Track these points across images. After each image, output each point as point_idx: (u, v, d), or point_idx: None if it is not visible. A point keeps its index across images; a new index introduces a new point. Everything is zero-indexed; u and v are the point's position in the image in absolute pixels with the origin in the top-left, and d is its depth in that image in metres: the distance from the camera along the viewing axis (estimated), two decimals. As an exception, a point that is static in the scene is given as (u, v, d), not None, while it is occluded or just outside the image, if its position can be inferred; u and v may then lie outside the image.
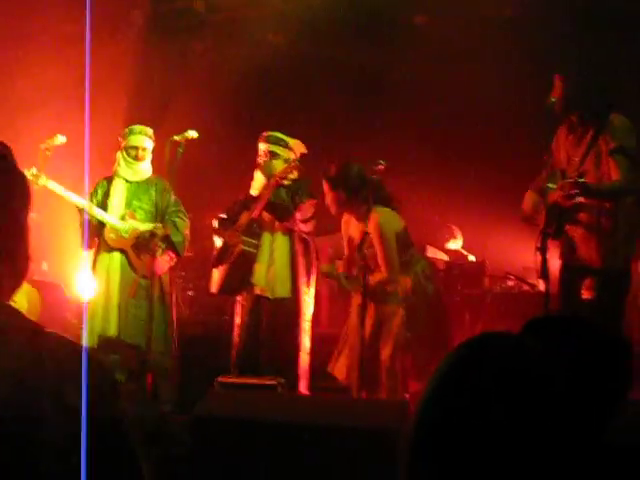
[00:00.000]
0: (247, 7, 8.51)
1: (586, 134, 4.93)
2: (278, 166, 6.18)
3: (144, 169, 6.38)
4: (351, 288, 5.63)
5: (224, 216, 6.41)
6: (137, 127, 6.37)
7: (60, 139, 6.12)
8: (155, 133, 6.41)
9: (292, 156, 6.24)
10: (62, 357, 1.46)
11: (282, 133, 6.32)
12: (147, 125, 6.41)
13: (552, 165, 5.03)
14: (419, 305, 5.46)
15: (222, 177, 7.98)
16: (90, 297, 6.26)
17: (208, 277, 6.56)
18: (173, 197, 6.31)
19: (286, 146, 6.27)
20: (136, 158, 6.34)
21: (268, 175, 6.19)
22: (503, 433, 1.08)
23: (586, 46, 7.12)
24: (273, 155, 6.22)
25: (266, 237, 6.17)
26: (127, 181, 6.39)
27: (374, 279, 5.42)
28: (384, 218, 5.46)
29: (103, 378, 1.54)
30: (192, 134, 5.69)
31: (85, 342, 5.85)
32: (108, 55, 7.45)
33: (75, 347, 1.51)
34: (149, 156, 6.39)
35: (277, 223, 6.17)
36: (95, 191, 6.40)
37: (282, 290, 6.09)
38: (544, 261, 4.56)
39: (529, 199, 5.14)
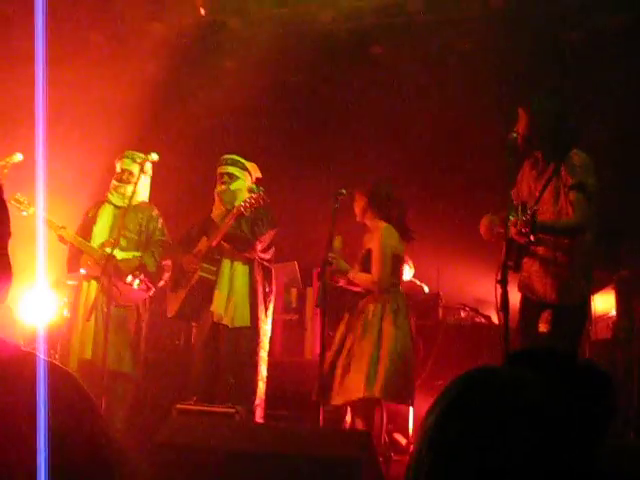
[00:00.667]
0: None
1: (547, 169, 5.00)
2: (238, 193, 6.16)
3: (129, 194, 6.27)
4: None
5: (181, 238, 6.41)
6: (128, 152, 6.43)
7: (18, 157, 6.06)
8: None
9: (248, 179, 6.25)
10: (39, 377, 1.44)
11: (241, 156, 6.33)
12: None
13: (516, 197, 5.08)
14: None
15: (191, 199, 7.92)
16: (47, 320, 6.19)
17: (162, 300, 6.50)
18: (159, 226, 6.30)
19: (243, 168, 6.28)
20: (120, 181, 6.38)
21: (229, 202, 6.18)
22: (504, 463, 1.09)
23: (549, 80, 7.24)
24: (230, 177, 6.21)
25: (226, 264, 6.13)
26: (115, 207, 6.40)
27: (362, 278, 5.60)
28: (388, 232, 5.66)
29: (82, 398, 1.53)
30: (154, 157, 5.69)
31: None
32: (113, 73, 7.40)
33: (54, 367, 1.50)
34: (139, 181, 6.32)
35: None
36: (87, 216, 6.44)
37: (241, 320, 6.05)
38: (505, 294, 4.59)
39: (484, 221, 5.22)
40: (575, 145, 4.99)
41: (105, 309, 5.79)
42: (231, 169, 6.26)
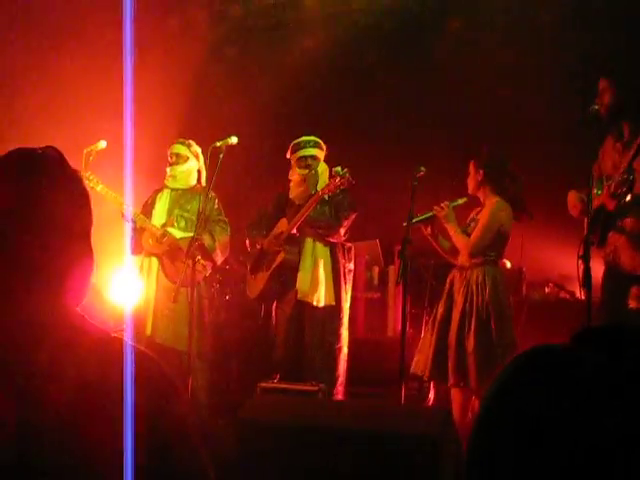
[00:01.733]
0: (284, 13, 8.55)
1: (636, 140, 4.89)
2: (322, 175, 6.19)
3: (182, 176, 6.51)
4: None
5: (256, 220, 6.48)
6: (179, 139, 6.61)
7: (102, 144, 6.22)
8: (197, 140, 6.52)
9: (323, 158, 6.26)
10: (128, 361, 1.49)
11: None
12: (189, 131, 6.55)
13: (599, 172, 4.98)
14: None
15: (260, 184, 8.00)
16: (134, 300, 6.34)
17: (244, 281, 6.59)
18: (216, 206, 6.39)
19: (322, 149, 6.31)
20: (171, 164, 6.53)
21: (313, 185, 6.19)
22: (560, 447, 1.07)
23: (628, 51, 7.07)
24: (315, 159, 6.23)
25: (308, 244, 6.15)
26: (172, 190, 6.55)
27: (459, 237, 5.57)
28: (501, 206, 5.53)
29: (165, 381, 1.57)
30: (233, 140, 5.70)
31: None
32: (148, 62, 7.50)
33: (140, 352, 1.54)
34: (186, 163, 6.51)
35: None
36: (147, 201, 6.63)
37: (328, 298, 6.09)
38: (587, 270, 4.53)
39: (571, 197, 5.14)
40: None
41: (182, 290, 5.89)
42: (314, 151, 6.27)
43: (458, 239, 5.58)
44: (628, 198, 4.63)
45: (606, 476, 1.02)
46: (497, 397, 1.17)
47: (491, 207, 5.54)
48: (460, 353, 5.35)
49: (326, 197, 6.02)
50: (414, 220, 5.53)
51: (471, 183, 5.65)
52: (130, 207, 6.29)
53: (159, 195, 6.60)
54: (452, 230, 5.59)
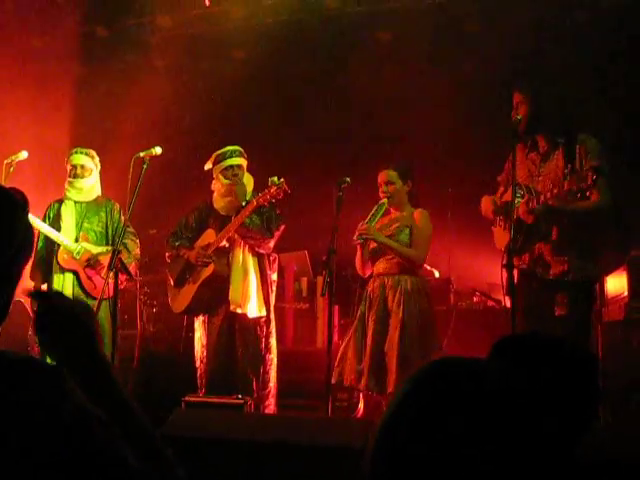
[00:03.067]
0: (210, 23, 8.49)
1: (554, 152, 4.98)
2: (248, 185, 6.14)
3: (86, 188, 6.47)
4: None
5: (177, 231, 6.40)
6: (78, 148, 6.51)
7: (23, 154, 6.12)
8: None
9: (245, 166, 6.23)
10: (28, 383, 1.43)
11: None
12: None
13: (511, 182, 5.03)
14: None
15: (184, 194, 7.94)
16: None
17: (162, 294, 6.51)
18: (123, 217, 6.31)
19: (246, 158, 6.27)
20: (75, 176, 6.43)
21: (242, 195, 6.15)
22: (462, 456, 1.07)
23: (543, 63, 7.21)
24: (240, 169, 6.17)
25: (238, 255, 6.09)
26: (75, 202, 6.48)
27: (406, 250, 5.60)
28: (427, 215, 5.71)
29: (75, 410, 1.51)
30: (157, 150, 5.64)
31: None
32: (67, 70, 7.41)
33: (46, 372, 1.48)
34: (91, 175, 6.48)
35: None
36: (47, 214, 6.49)
37: (258, 309, 6.04)
38: (510, 277, 4.58)
39: (484, 201, 5.25)
40: (579, 129, 4.99)
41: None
42: (240, 160, 6.20)
43: (401, 252, 5.62)
44: (588, 194, 4.68)
45: None
46: (398, 405, 1.17)
47: (424, 217, 5.69)
48: (376, 359, 5.41)
49: (261, 208, 5.98)
50: (372, 222, 5.65)
51: (396, 194, 5.72)
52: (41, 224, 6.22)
53: (63, 208, 6.47)
54: (393, 246, 5.63)
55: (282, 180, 5.93)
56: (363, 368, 5.43)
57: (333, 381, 5.48)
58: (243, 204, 6.08)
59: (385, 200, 5.71)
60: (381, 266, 5.65)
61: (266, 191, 5.93)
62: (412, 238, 5.66)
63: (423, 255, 5.66)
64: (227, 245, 6.11)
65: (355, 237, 5.63)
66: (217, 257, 6.10)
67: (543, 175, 5.00)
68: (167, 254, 6.37)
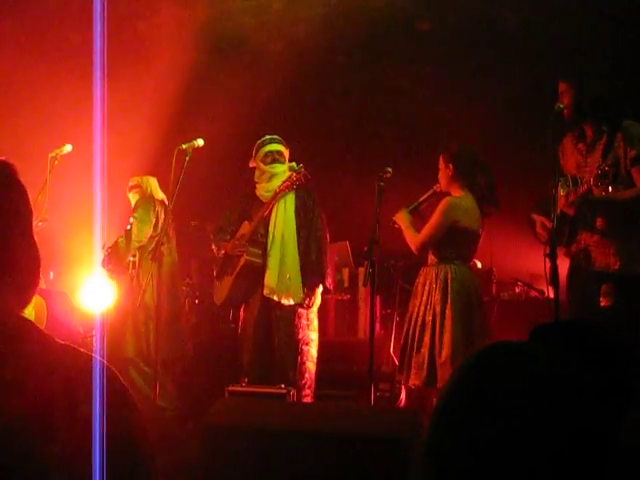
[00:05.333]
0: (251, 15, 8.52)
1: (599, 141, 4.93)
2: (283, 174, 6.17)
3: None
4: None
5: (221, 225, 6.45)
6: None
7: (68, 148, 6.19)
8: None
9: (287, 157, 6.25)
10: (74, 368, 1.45)
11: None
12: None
13: (560, 172, 5.00)
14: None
15: (226, 186, 7.98)
16: (105, 307, 6.32)
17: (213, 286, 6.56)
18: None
19: (286, 147, 6.29)
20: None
21: (272, 178, 6.20)
22: (513, 441, 1.08)
23: (589, 52, 7.12)
24: (280, 155, 6.21)
25: (277, 241, 6.13)
26: None
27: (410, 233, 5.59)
28: (455, 203, 5.50)
29: (117, 395, 1.53)
30: (199, 143, 5.68)
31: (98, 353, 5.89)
32: (117, 65, 7.46)
33: (88, 359, 1.50)
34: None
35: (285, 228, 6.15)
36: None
37: (295, 296, 6.04)
38: (554, 268, 4.55)
39: (536, 225, 5.13)
40: (625, 116, 4.93)
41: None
42: (279, 147, 6.25)
43: (407, 234, 5.61)
44: (610, 190, 4.64)
45: (559, 466, 1.03)
46: (453, 393, 1.17)
47: (442, 205, 5.53)
48: (417, 352, 5.40)
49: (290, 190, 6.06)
50: (410, 208, 5.63)
51: (442, 179, 5.62)
52: None
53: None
54: (403, 225, 5.62)
55: (301, 166, 6.05)
56: (420, 361, 5.40)
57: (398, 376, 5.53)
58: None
59: (435, 187, 5.68)
60: (430, 256, 5.62)
61: (286, 179, 6.00)
62: None
63: (418, 240, 5.53)
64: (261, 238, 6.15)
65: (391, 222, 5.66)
66: (253, 247, 6.14)
67: (589, 165, 4.94)
68: (213, 248, 6.43)
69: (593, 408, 1.09)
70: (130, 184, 6.89)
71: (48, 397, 1.41)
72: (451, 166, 5.54)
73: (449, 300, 5.38)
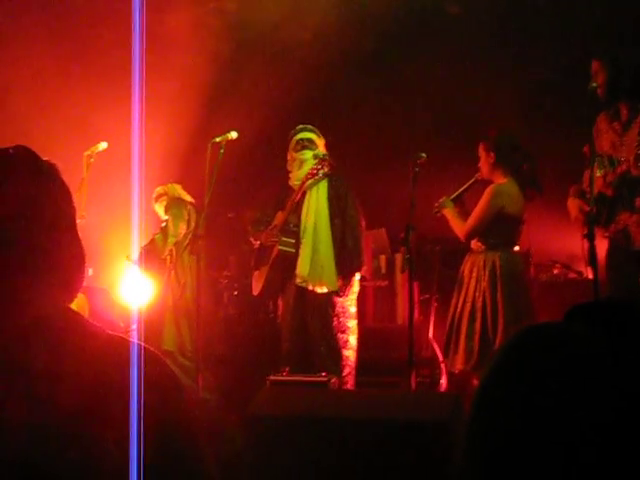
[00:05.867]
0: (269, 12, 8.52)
1: (635, 119, 4.87)
2: (309, 156, 6.18)
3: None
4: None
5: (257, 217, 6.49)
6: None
7: (103, 146, 6.24)
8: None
9: (322, 146, 6.26)
10: (125, 356, 1.48)
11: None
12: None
13: (595, 152, 4.95)
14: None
15: (262, 177, 8.00)
16: (143, 302, 6.38)
17: (251, 277, 6.60)
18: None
19: (318, 135, 6.30)
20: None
21: (302, 164, 6.22)
22: (557, 424, 1.08)
23: (620, 31, 7.04)
24: (311, 142, 6.23)
25: (309, 229, 6.13)
26: None
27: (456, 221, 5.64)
28: (501, 190, 5.54)
29: (168, 378, 1.57)
30: (233, 135, 5.70)
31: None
32: (152, 62, 7.48)
33: (146, 351, 1.53)
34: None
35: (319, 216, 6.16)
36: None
37: (330, 284, 6.03)
38: (592, 248, 4.53)
39: (572, 206, 5.08)
40: None
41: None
42: (310, 135, 6.27)
43: (454, 223, 5.65)
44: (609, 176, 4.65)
45: (603, 450, 1.03)
46: (493, 376, 1.18)
47: (489, 191, 5.57)
48: (456, 337, 5.41)
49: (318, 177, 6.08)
50: (453, 197, 5.68)
51: (484, 167, 5.65)
52: None
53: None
54: (449, 214, 5.63)
55: (325, 153, 6.09)
56: (470, 347, 5.41)
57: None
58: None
59: (476, 175, 5.71)
60: (473, 243, 5.64)
61: (312, 167, 6.04)
62: None
63: (467, 229, 5.58)
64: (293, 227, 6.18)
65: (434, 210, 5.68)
66: (286, 237, 6.17)
67: (626, 144, 4.89)
68: (251, 239, 6.48)
69: (632, 387, 1.09)
70: (155, 194, 6.98)
71: (103, 385, 1.45)
72: (492, 154, 5.56)
73: (499, 287, 5.41)
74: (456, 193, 5.71)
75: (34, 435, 1.40)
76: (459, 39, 8.08)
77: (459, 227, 5.60)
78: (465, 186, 5.73)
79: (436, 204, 5.68)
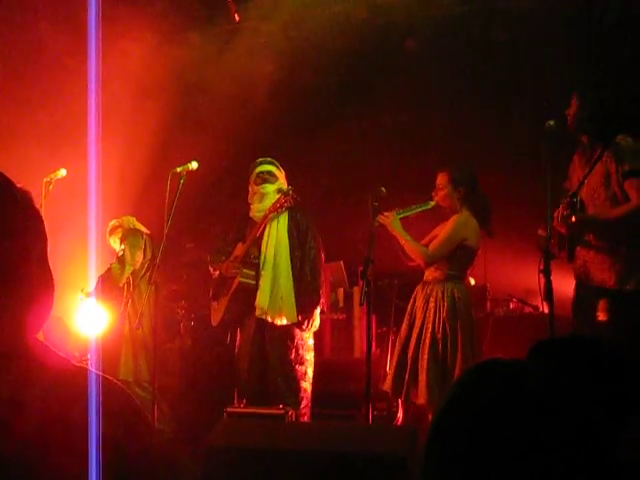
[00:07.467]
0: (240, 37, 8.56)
1: (594, 155, 4.94)
2: (272, 194, 6.20)
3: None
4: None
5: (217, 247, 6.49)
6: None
7: (62, 172, 6.21)
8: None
9: (283, 179, 6.28)
10: (94, 392, 1.47)
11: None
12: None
13: (567, 189, 5.03)
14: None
15: (223, 207, 8.00)
16: (100, 331, 6.32)
17: (209, 307, 6.57)
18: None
19: (279, 168, 6.32)
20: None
21: (263, 197, 6.23)
22: (509, 459, 1.09)
23: (602, 67, 7.15)
24: (271, 175, 6.24)
25: (269, 261, 6.14)
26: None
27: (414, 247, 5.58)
28: (466, 221, 5.56)
29: (132, 411, 1.56)
30: (193, 165, 5.71)
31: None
32: (111, 88, 7.48)
33: (107, 382, 1.52)
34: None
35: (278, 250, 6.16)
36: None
37: (289, 316, 6.03)
38: (548, 283, 4.57)
39: (541, 241, 5.14)
40: (620, 131, 4.93)
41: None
42: (270, 167, 6.29)
43: (410, 247, 5.60)
44: (573, 219, 4.72)
45: None
46: (448, 409, 1.19)
47: (456, 220, 5.58)
48: (414, 369, 5.40)
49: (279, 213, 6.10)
50: (401, 215, 5.60)
51: (446, 199, 5.64)
52: None
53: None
54: (402, 238, 5.59)
55: (290, 187, 6.13)
56: (431, 379, 5.39)
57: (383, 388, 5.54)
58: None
59: (431, 202, 5.69)
60: (429, 273, 5.64)
61: (275, 201, 6.07)
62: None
63: (433, 254, 5.56)
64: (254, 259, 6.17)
65: (374, 222, 5.56)
66: (247, 269, 6.16)
67: (587, 181, 4.95)
68: (210, 269, 6.46)
69: (592, 424, 1.10)
70: (109, 228, 6.96)
71: (65, 417, 1.43)
72: (462, 189, 5.59)
73: (458, 318, 5.41)
74: (406, 213, 5.68)
75: None
76: (420, 72, 8.17)
77: (418, 251, 5.57)
78: (417, 210, 5.70)
79: (381, 216, 5.60)
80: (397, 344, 5.67)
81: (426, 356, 5.38)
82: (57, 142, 7.32)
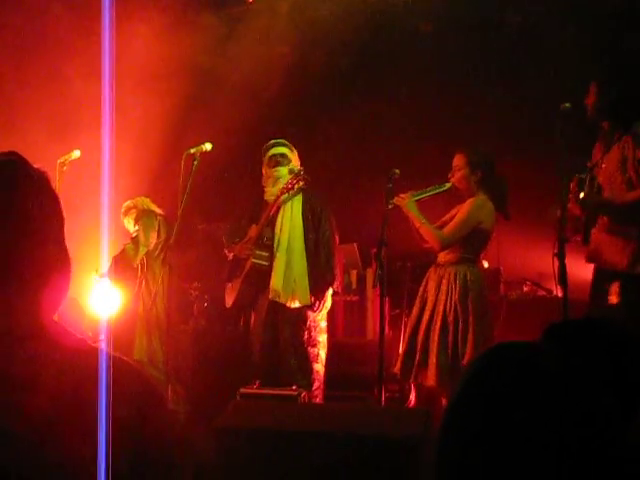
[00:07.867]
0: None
1: (613, 141, 4.93)
2: (285, 177, 6.20)
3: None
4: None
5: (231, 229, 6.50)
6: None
7: (76, 154, 6.19)
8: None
9: (295, 160, 6.28)
10: (105, 371, 1.48)
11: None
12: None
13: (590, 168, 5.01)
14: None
15: (236, 189, 7.99)
16: (113, 311, 6.34)
17: (223, 289, 6.59)
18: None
19: (292, 150, 6.32)
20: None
21: (277, 181, 6.24)
22: (524, 440, 1.09)
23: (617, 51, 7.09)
24: (284, 157, 6.25)
25: (283, 244, 6.15)
26: None
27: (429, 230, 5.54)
28: (482, 204, 5.52)
29: (149, 391, 1.56)
30: (207, 147, 5.69)
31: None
32: (124, 69, 7.46)
33: (121, 361, 1.53)
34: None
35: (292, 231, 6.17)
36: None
37: (302, 298, 6.06)
38: (562, 267, 4.56)
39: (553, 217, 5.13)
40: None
41: None
42: (283, 149, 6.30)
43: (425, 230, 5.55)
44: (581, 195, 4.70)
45: (567, 465, 1.06)
46: (463, 391, 1.19)
47: (472, 203, 5.54)
48: (424, 351, 5.39)
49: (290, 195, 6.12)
50: (417, 197, 5.56)
51: (462, 181, 5.58)
52: None
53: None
54: (417, 221, 5.54)
55: (300, 169, 6.14)
56: (441, 362, 5.37)
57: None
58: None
59: (447, 184, 5.65)
60: (442, 256, 5.62)
61: (286, 182, 6.08)
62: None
63: (448, 238, 5.50)
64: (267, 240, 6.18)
65: (388, 204, 5.53)
66: (259, 250, 6.17)
67: (605, 165, 4.94)
68: (225, 251, 6.47)
69: (604, 405, 1.10)
70: (123, 209, 6.96)
71: (81, 397, 1.44)
72: (479, 173, 5.54)
73: (470, 301, 5.39)
74: (421, 194, 5.64)
75: (4, 443, 1.39)
76: (438, 54, 8.13)
77: (433, 234, 5.52)
78: (433, 192, 5.66)
79: (397, 198, 5.57)
80: (408, 327, 5.65)
81: (437, 338, 5.37)
82: (71, 124, 7.31)
